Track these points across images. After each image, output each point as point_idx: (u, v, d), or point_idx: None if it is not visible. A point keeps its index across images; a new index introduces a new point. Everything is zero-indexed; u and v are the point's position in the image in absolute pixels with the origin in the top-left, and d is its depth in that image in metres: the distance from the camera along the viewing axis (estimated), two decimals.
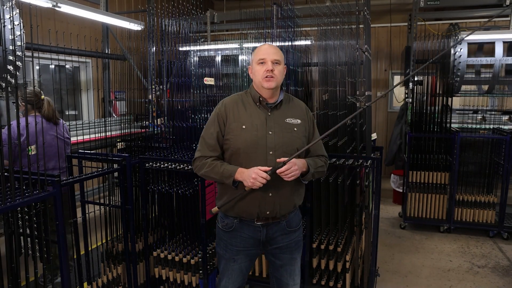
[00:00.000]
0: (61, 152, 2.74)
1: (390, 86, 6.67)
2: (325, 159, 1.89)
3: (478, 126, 4.24)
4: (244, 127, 1.72)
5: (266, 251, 1.88)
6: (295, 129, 1.77)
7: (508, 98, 5.66)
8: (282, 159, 1.64)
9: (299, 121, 1.80)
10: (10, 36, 1.73)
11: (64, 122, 2.95)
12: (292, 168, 1.63)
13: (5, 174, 1.67)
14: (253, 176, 1.61)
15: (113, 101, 5.33)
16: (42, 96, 2.75)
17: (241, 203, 1.75)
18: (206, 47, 3.26)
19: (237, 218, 1.79)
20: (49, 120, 2.75)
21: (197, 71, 2.70)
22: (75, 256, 2.31)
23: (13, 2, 1.77)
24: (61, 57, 2.33)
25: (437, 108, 4.03)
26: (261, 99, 1.76)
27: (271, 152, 1.70)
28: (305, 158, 1.81)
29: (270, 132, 1.72)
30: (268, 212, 1.74)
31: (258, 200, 1.72)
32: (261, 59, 1.73)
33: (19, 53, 1.77)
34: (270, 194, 1.72)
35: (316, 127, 1.93)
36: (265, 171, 1.62)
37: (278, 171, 1.63)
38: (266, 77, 1.71)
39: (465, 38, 3.92)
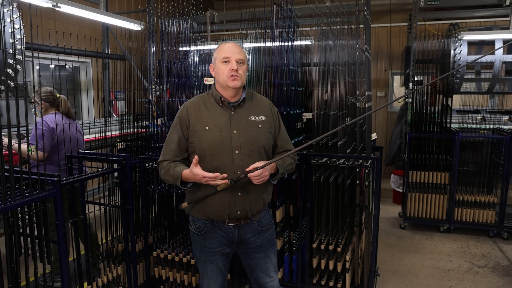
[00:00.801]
0: (81, 146, 2.99)
1: (390, 86, 6.67)
2: (293, 154, 1.88)
3: (478, 126, 4.24)
4: (207, 128, 1.72)
5: (240, 252, 1.88)
6: (260, 126, 1.77)
7: (508, 98, 5.67)
8: (256, 164, 1.64)
9: (263, 117, 1.79)
10: (10, 39, 1.73)
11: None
12: (263, 173, 1.65)
13: (5, 174, 1.67)
14: (203, 180, 1.61)
15: (113, 101, 5.33)
16: (58, 95, 2.86)
17: (210, 205, 1.73)
18: (206, 47, 3.26)
19: (208, 220, 1.78)
20: (67, 117, 2.86)
21: (197, 71, 2.70)
22: (75, 256, 2.31)
23: (14, 5, 1.77)
24: (61, 57, 2.33)
25: (437, 108, 4.04)
26: (222, 99, 1.75)
27: (237, 151, 1.70)
28: (273, 154, 1.84)
29: (235, 131, 1.72)
30: (239, 212, 1.74)
31: (227, 200, 1.71)
32: (226, 58, 1.71)
33: (19, 57, 1.77)
34: (239, 194, 1.72)
35: (282, 121, 1.92)
36: (233, 178, 1.63)
37: (250, 175, 1.63)
38: (232, 76, 1.69)
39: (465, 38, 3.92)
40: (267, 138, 1.78)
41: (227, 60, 1.71)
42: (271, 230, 1.91)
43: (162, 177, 1.78)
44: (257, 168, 1.63)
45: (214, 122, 1.72)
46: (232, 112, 1.75)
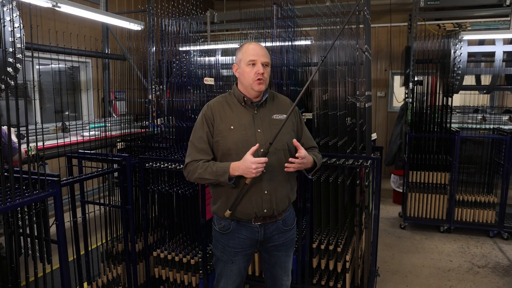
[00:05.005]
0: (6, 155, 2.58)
1: (390, 86, 6.67)
2: (318, 150, 1.95)
3: (478, 126, 4.24)
4: (232, 127, 1.73)
5: (262, 248, 1.89)
6: None
7: (509, 97, 5.67)
8: (302, 152, 1.68)
9: (285, 116, 1.80)
10: (10, 38, 1.73)
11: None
12: (301, 161, 1.67)
13: (5, 174, 1.67)
14: (253, 166, 1.59)
15: (113, 101, 5.33)
16: None
17: (237, 205, 1.73)
18: (206, 47, 3.26)
19: (234, 220, 1.79)
20: None
21: (197, 71, 2.70)
22: (74, 256, 2.31)
23: (14, 4, 1.77)
24: (61, 57, 2.33)
25: (437, 108, 4.03)
26: (245, 98, 1.77)
27: (262, 150, 1.71)
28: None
29: (259, 130, 1.74)
30: (265, 211, 1.74)
31: (254, 199, 1.72)
32: (252, 61, 1.71)
33: (19, 55, 1.77)
34: (266, 192, 1.73)
35: (303, 120, 1.95)
36: (264, 151, 1.64)
37: (291, 160, 1.66)
38: (258, 80, 1.70)
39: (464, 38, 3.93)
40: (290, 136, 1.79)
41: (253, 63, 1.71)
42: (294, 229, 1.93)
43: (197, 176, 1.71)
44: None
45: (239, 122, 1.74)
46: (255, 112, 1.77)
